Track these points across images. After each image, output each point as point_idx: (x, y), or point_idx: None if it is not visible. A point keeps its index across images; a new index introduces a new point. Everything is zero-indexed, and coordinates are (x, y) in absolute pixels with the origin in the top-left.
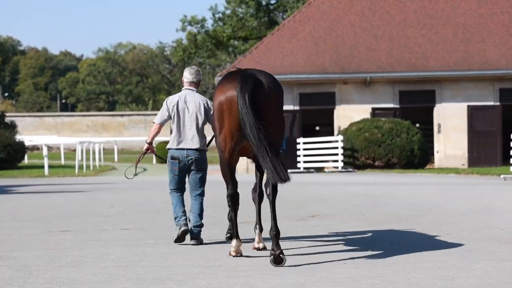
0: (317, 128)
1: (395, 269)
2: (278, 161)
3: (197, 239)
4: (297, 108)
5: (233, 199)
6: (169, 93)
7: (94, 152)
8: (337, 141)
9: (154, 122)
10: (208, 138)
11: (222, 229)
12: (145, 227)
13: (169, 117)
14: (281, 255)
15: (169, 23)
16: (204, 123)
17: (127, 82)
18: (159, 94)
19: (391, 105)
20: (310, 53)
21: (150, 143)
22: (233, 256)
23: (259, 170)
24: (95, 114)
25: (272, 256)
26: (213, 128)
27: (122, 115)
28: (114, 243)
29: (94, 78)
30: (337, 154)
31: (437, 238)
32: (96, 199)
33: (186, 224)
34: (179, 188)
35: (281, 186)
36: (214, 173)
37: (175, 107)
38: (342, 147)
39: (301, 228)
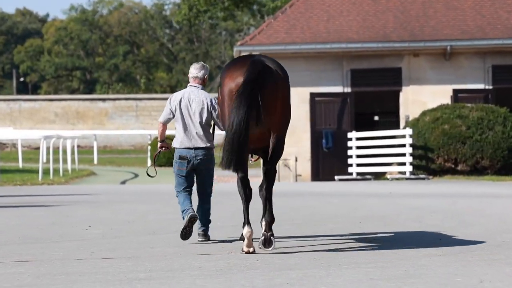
0: (376, 118)
1: None
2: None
3: (205, 236)
4: (347, 90)
5: (244, 183)
6: (170, 69)
7: (65, 151)
8: (404, 137)
9: (159, 121)
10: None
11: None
12: (135, 255)
13: (173, 116)
14: (271, 237)
15: None
16: (209, 121)
17: (111, 53)
18: (156, 71)
19: (481, 86)
20: (367, 13)
21: (162, 141)
22: (246, 253)
23: (264, 164)
24: (67, 98)
25: (262, 237)
26: (222, 116)
27: (104, 100)
28: (91, 278)
29: (64, 47)
30: (404, 155)
31: None
32: (68, 216)
33: (193, 211)
34: (187, 187)
35: (321, 198)
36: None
37: (178, 105)
38: (411, 145)
39: (354, 257)
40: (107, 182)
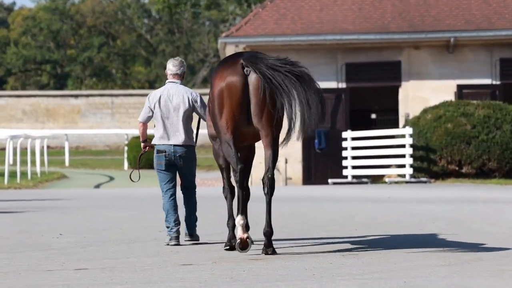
0: (373, 116)
1: None
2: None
3: (192, 236)
4: (342, 85)
5: (242, 174)
6: (148, 62)
7: (33, 152)
8: (403, 136)
9: (139, 121)
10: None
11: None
12: (110, 266)
13: (153, 114)
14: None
15: None
16: (190, 117)
17: (84, 45)
18: (133, 64)
19: (487, 81)
20: (363, 2)
21: (145, 141)
22: (241, 249)
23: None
24: (36, 95)
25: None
26: (211, 115)
27: (76, 96)
28: None
29: (33, 38)
30: (403, 156)
31: None
32: (36, 223)
33: (177, 238)
34: (171, 188)
35: (314, 203)
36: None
37: (157, 103)
38: (412, 145)
39: (349, 268)
40: (80, 186)
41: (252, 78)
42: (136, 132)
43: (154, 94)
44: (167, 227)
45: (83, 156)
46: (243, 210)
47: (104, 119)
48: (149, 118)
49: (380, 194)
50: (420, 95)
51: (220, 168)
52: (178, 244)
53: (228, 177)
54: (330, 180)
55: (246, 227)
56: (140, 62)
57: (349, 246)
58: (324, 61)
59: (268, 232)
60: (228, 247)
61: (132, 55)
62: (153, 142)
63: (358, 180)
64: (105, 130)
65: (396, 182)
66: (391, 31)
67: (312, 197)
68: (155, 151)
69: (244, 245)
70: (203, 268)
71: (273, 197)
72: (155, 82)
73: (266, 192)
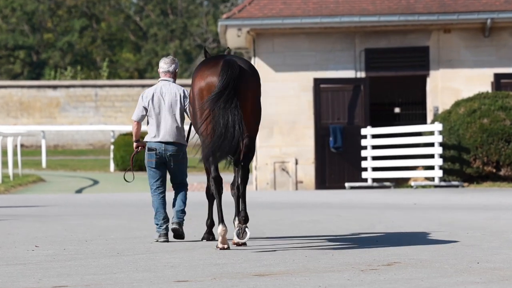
0: (397, 110)
1: None
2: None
3: (179, 225)
4: (361, 75)
5: (217, 182)
6: (138, 48)
7: (5, 152)
8: (432, 133)
9: (132, 119)
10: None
11: None
12: (94, 282)
13: (146, 112)
14: (246, 228)
15: None
16: (182, 115)
17: (63, 28)
18: (120, 51)
19: None
20: None
21: (137, 141)
22: (220, 249)
23: (236, 165)
24: (7, 85)
25: (237, 229)
26: (192, 115)
27: (55, 87)
28: None
29: (4, 21)
30: (432, 156)
31: None
32: (9, 234)
33: (166, 234)
34: (160, 186)
35: (328, 210)
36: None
37: (151, 100)
38: (441, 144)
39: (369, 285)
40: (59, 190)
41: None
42: (124, 128)
43: (147, 92)
44: (156, 224)
45: (63, 156)
46: (223, 219)
47: (87, 114)
48: (143, 117)
49: (404, 200)
50: (451, 85)
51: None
52: (167, 241)
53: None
54: (347, 184)
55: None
56: (128, 48)
57: (369, 260)
58: (340, 47)
59: (244, 217)
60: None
61: (119, 40)
62: (145, 139)
63: (380, 184)
64: (88, 126)
65: (423, 186)
66: (418, 12)
67: (327, 204)
68: (146, 149)
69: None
70: (201, 286)
71: (281, 203)
72: (146, 71)
73: (239, 182)
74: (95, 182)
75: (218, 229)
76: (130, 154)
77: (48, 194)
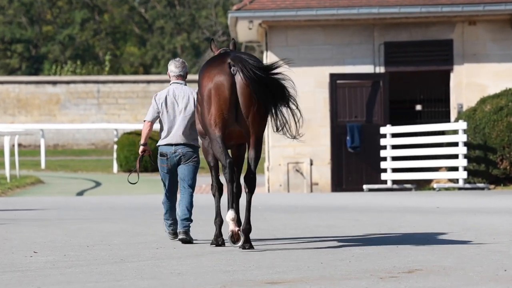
0: (418, 107)
1: None
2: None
3: (186, 234)
4: (380, 70)
5: (232, 168)
6: (143, 42)
7: (2, 152)
8: (456, 132)
9: (144, 120)
10: None
11: None
12: None
13: (159, 114)
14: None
15: None
16: (195, 117)
17: (64, 20)
18: (124, 44)
19: None
20: None
21: (145, 144)
22: (234, 242)
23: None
24: (4, 81)
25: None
26: (201, 114)
27: (55, 83)
28: None
29: (1, 12)
30: (456, 157)
31: None
32: (6, 239)
33: (174, 233)
34: (172, 190)
35: (345, 214)
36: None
37: (164, 103)
38: (466, 143)
39: None
40: (59, 193)
41: (239, 77)
42: (128, 127)
43: (160, 94)
44: (166, 220)
45: (63, 156)
46: (233, 205)
47: (89, 111)
48: (157, 118)
49: (426, 204)
50: (476, 81)
51: (209, 166)
52: (175, 238)
53: (217, 175)
54: (365, 186)
55: (237, 222)
56: (132, 42)
57: (388, 267)
58: (358, 40)
59: (247, 228)
60: (214, 245)
61: (123, 33)
62: (158, 143)
63: (400, 186)
64: (89, 125)
65: (447, 189)
66: (441, 3)
67: (343, 207)
68: (158, 153)
69: (237, 238)
70: None
71: (294, 207)
72: (151, 66)
73: (247, 191)
74: (97, 184)
75: (227, 214)
76: (134, 154)
77: (48, 197)
